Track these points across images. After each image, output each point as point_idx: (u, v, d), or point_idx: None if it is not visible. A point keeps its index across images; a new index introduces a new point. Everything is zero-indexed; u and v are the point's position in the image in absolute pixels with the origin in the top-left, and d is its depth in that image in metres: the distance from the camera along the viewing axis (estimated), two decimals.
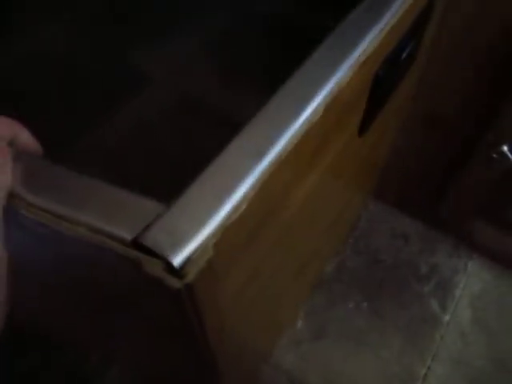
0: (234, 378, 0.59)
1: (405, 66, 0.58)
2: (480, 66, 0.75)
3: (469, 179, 0.91)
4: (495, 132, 0.80)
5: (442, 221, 1.08)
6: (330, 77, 0.38)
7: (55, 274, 0.39)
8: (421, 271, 1.07)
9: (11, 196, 0.29)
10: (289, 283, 0.66)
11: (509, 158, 0.78)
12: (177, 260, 0.27)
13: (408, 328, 0.99)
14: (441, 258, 1.09)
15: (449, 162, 0.95)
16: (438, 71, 0.78)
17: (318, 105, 0.36)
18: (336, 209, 0.74)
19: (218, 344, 0.40)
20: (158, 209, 0.29)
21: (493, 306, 1.03)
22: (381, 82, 0.48)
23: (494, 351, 0.97)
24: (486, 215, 0.99)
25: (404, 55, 0.52)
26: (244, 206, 0.30)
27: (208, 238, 0.28)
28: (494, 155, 0.79)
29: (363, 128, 0.54)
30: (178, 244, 0.27)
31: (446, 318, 1.01)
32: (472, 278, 1.07)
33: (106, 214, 0.28)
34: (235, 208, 0.30)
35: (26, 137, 0.32)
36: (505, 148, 0.78)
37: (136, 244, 0.27)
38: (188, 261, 0.27)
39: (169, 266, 0.27)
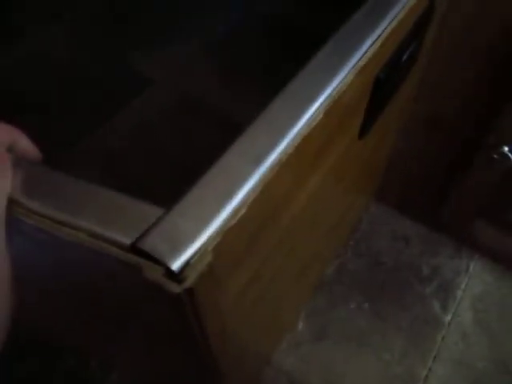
0: (235, 381, 0.59)
1: (406, 68, 0.58)
2: (480, 66, 0.75)
3: (470, 180, 0.91)
4: (496, 133, 0.79)
5: (444, 222, 1.08)
6: (331, 80, 0.38)
7: (54, 280, 0.39)
8: (422, 273, 1.07)
9: (10, 202, 0.29)
10: (290, 286, 0.66)
11: (510, 159, 0.78)
12: (176, 265, 0.26)
13: (409, 329, 0.99)
14: (442, 259, 1.09)
15: (450, 164, 0.95)
16: (438, 72, 0.78)
17: (319, 108, 0.36)
18: (338, 211, 0.73)
19: (219, 347, 0.40)
20: (157, 213, 0.29)
21: (494, 307, 1.03)
22: (382, 85, 0.48)
23: (496, 352, 0.97)
24: (487, 216, 0.98)
25: (405, 57, 0.52)
26: (244, 210, 0.30)
27: (207, 242, 0.28)
28: (495, 156, 0.79)
29: (364, 130, 0.53)
30: (177, 249, 0.27)
31: (448, 319, 1.01)
32: (474, 280, 1.06)
33: (105, 219, 0.28)
34: (235, 212, 0.30)
35: (25, 143, 0.32)
36: (505, 149, 0.78)
37: (135, 249, 0.27)
38: (187, 265, 0.27)
39: (168, 270, 0.26)
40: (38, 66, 0.76)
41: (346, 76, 0.38)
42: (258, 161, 0.32)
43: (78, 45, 0.81)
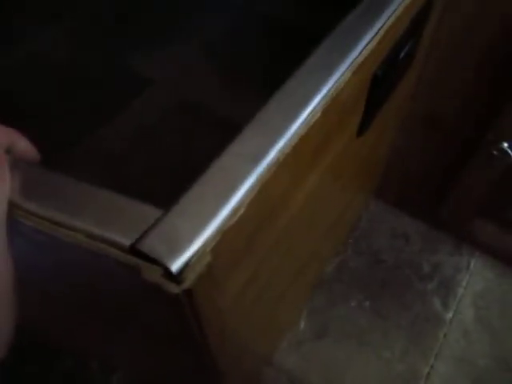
0: (235, 380, 0.59)
1: (403, 66, 0.57)
2: (480, 66, 0.74)
3: (469, 178, 0.91)
4: (495, 131, 0.79)
5: (443, 220, 1.08)
6: (328, 78, 0.38)
7: (54, 281, 0.39)
8: (423, 270, 1.07)
9: (9, 204, 0.29)
10: (288, 285, 0.66)
11: (509, 155, 0.78)
12: (174, 266, 0.27)
13: (411, 327, 0.99)
14: (443, 256, 1.09)
15: (449, 162, 0.94)
16: (437, 71, 0.78)
17: (316, 107, 0.36)
18: (336, 210, 0.73)
19: (218, 347, 0.40)
20: (156, 214, 0.29)
21: (495, 304, 1.03)
22: (379, 82, 0.48)
23: (497, 349, 0.97)
24: (486, 214, 0.98)
25: (402, 55, 0.52)
26: (242, 211, 0.30)
27: (206, 243, 0.28)
28: (495, 152, 0.79)
29: (362, 128, 0.54)
30: (176, 249, 0.27)
31: (449, 316, 1.01)
32: (474, 277, 1.06)
33: (104, 221, 0.28)
34: (233, 212, 0.30)
35: (23, 144, 0.32)
36: (505, 145, 0.78)
37: (134, 250, 0.27)
38: (186, 266, 0.27)
39: (167, 271, 0.27)
40: (38, 66, 0.76)
41: (343, 74, 0.38)
42: (256, 161, 0.32)
43: (78, 45, 0.82)
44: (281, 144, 0.33)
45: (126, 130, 0.76)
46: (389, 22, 0.43)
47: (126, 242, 0.27)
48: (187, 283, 0.27)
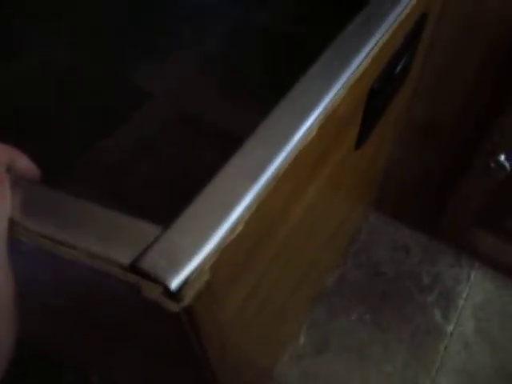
0: None
1: (400, 79, 0.58)
2: (481, 67, 0.74)
3: (466, 189, 0.91)
4: (492, 141, 0.80)
5: (442, 231, 1.07)
6: (326, 93, 0.38)
7: (54, 296, 0.39)
8: (423, 282, 1.07)
9: (10, 221, 0.29)
10: (288, 297, 0.66)
11: (505, 168, 0.78)
12: (174, 284, 0.27)
13: (411, 340, 0.98)
14: (443, 268, 1.09)
15: (447, 173, 0.95)
16: (436, 77, 0.77)
17: (314, 122, 0.36)
18: (335, 222, 0.74)
19: (218, 362, 0.40)
20: (155, 231, 0.29)
21: (496, 316, 1.02)
22: (376, 96, 0.48)
23: (498, 361, 0.96)
24: (484, 223, 0.98)
25: (398, 68, 0.52)
26: (241, 227, 0.30)
27: (205, 260, 0.28)
28: (492, 164, 0.79)
29: (360, 141, 0.54)
30: (175, 267, 0.27)
31: (450, 328, 1.00)
32: (475, 288, 1.06)
33: (104, 239, 0.28)
34: (232, 229, 0.30)
35: (24, 163, 0.32)
36: (502, 157, 0.78)
37: (134, 268, 0.27)
38: (185, 284, 0.27)
39: (166, 289, 0.27)
40: (38, 79, 0.77)
41: (340, 89, 0.39)
42: (255, 177, 0.32)
43: (78, 58, 0.82)
44: (280, 159, 0.33)
45: (126, 142, 0.76)
46: (384, 38, 0.44)
47: (127, 260, 0.27)
48: (186, 301, 0.27)
